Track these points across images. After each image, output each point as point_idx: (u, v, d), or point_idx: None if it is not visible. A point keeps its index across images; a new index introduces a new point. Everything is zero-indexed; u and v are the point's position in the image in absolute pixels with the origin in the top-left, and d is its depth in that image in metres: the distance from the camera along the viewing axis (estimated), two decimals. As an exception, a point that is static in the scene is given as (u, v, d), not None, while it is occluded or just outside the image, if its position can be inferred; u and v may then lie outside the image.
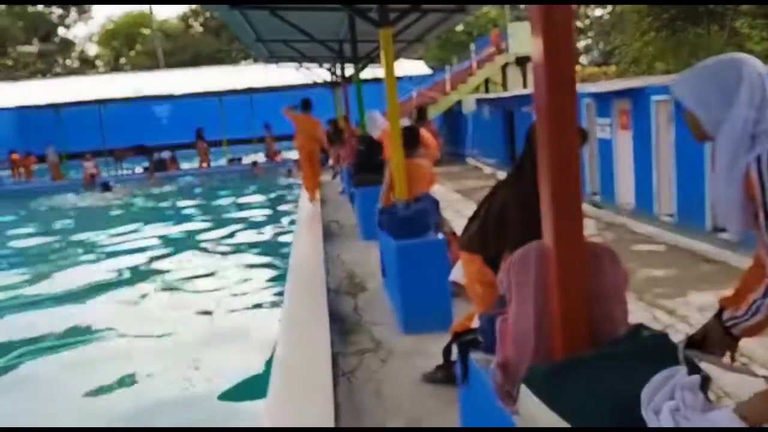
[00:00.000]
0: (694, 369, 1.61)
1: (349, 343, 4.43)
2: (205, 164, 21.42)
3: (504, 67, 22.03)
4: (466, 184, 13.06)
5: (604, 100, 9.22)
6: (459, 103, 19.91)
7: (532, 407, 1.76)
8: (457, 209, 9.28)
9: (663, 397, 1.51)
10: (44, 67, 44.55)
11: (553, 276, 1.88)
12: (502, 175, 13.61)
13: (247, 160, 21.29)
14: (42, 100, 20.84)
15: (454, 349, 2.57)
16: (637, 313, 4.63)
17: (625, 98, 8.60)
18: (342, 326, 4.76)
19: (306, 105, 10.39)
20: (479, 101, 18.13)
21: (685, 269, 6.03)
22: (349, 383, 3.80)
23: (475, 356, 2.35)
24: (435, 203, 4.84)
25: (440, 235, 4.73)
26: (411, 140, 5.19)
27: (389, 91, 5.00)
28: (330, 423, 2.95)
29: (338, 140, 12.83)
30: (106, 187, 17.59)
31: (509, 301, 2.07)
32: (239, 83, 20.96)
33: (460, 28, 29.88)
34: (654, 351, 1.71)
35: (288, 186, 16.41)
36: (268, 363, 4.13)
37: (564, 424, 1.63)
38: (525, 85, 20.73)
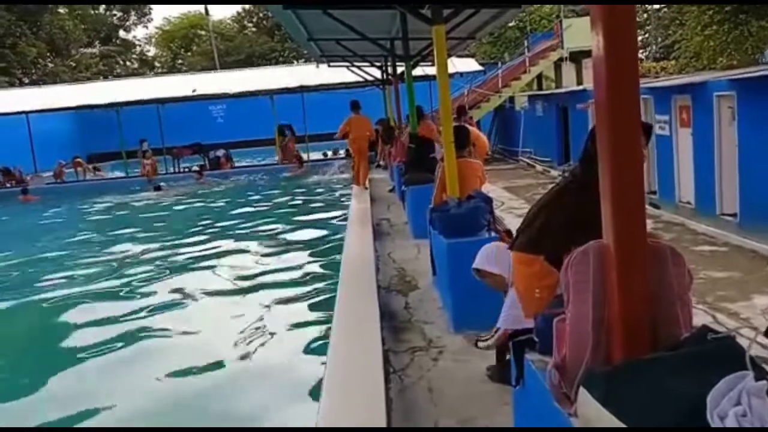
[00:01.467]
0: (761, 374, 1.54)
1: (400, 341, 4.43)
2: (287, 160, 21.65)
3: (558, 63, 21.65)
4: (517, 182, 12.89)
5: (663, 96, 8.95)
6: (511, 99, 19.67)
7: (591, 410, 1.72)
8: (509, 208, 9.17)
9: (729, 402, 1.45)
10: (105, 68, 46.10)
11: (614, 276, 1.83)
12: (555, 173, 13.42)
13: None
14: (103, 100, 21.56)
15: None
16: (698, 315, 4.47)
17: (685, 94, 8.33)
18: (393, 324, 4.77)
19: (355, 106, 12.33)
20: (532, 98, 17.88)
21: (748, 271, 5.80)
22: (400, 381, 3.80)
23: (531, 357, 2.32)
24: (488, 201, 4.79)
25: (493, 234, 4.67)
26: (461, 139, 5.16)
27: (441, 89, 4.98)
28: (382, 421, 2.96)
29: (389, 139, 12.86)
30: (157, 187, 18.08)
31: (567, 301, 2.03)
32: (291, 82, 21.23)
33: (512, 23, 29.46)
34: (720, 355, 1.64)
35: (336, 184, 16.54)
36: (321, 360, 4.17)
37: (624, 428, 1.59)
38: (580, 81, 20.31)
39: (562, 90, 17.33)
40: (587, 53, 19.53)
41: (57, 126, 27.15)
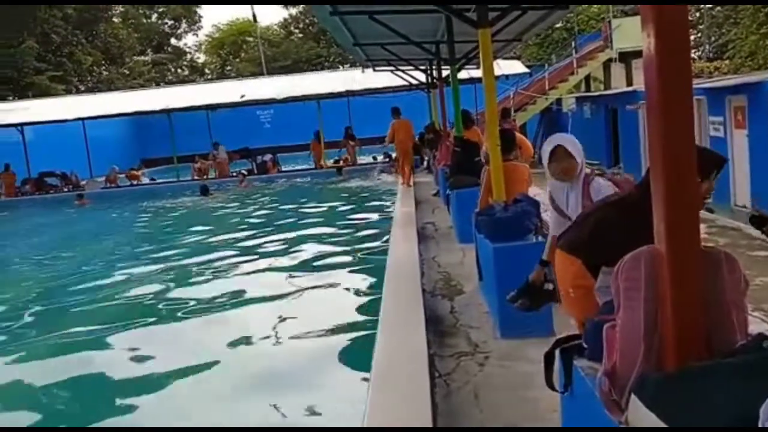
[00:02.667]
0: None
1: (445, 346, 4.42)
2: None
3: (607, 64, 21.25)
4: (565, 185, 12.66)
5: (717, 97, 8.69)
6: (558, 102, 19.40)
7: (642, 418, 1.68)
8: (555, 211, 9.03)
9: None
10: (157, 75, 47.40)
11: (666, 282, 1.79)
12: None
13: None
14: (155, 106, 22.18)
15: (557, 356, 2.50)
16: (754, 323, 4.32)
17: (740, 94, 8.07)
18: (438, 328, 4.75)
19: (395, 112, 14.26)
20: (580, 99, 17.60)
21: (809, 278, 5.58)
22: (446, 386, 3.79)
23: (580, 363, 2.28)
24: (535, 205, 4.73)
25: (540, 238, 4.62)
26: (507, 142, 5.11)
27: (487, 92, 4.95)
28: (428, 424, 2.96)
29: (435, 143, 12.88)
30: (204, 190, 18.42)
31: (617, 307, 2.00)
32: (337, 87, 21.44)
33: (559, 24, 29.05)
34: (777, 364, 1.59)
35: (380, 187, 16.59)
36: (366, 363, 4.18)
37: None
38: (629, 83, 19.89)
39: (611, 91, 17.01)
40: (637, 54, 19.11)
41: (111, 132, 28.04)
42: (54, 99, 27.70)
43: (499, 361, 4.08)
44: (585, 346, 2.29)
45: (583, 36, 25.24)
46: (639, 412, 1.72)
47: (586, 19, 30.00)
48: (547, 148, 3.35)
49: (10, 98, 30.81)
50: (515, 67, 21.36)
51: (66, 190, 22.00)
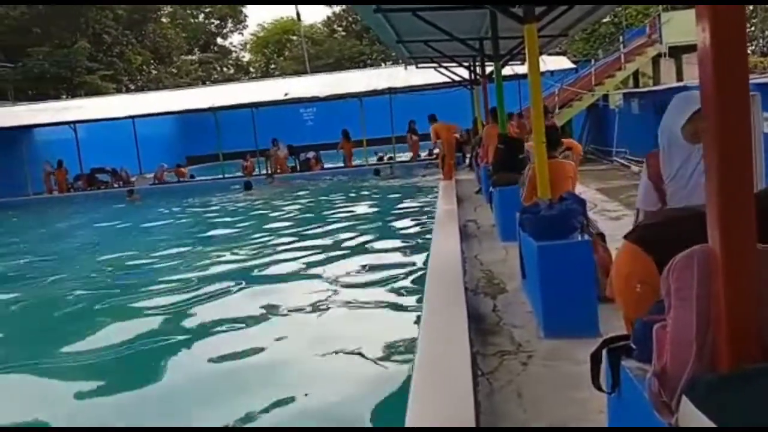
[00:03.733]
0: None
1: (488, 344, 4.39)
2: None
3: (655, 59, 20.72)
4: (611, 183, 12.44)
5: (772, 92, 8.40)
6: (605, 98, 19.02)
7: (693, 420, 1.65)
8: (602, 210, 8.87)
9: None
10: (204, 74, 48.35)
11: (720, 282, 1.74)
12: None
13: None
14: (201, 104, 22.62)
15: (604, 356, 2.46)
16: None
17: (798, 89, 7.77)
18: (480, 327, 4.72)
19: (432, 119, 16.27)
20: (627, 96, 17.21)
21: None
22: (488, 384, 3.76)
23: (628, 364, 2.24)
24: (581, 203, 4.66)
25: (585, 237, 4.55)
26: (552, 139, 5.04)
27: (533, 88, 4.89)
28: (471, 422, 2.95)
29: (479, 141, 12.87)
30: (248, 186, 18.75)
31: (668, 307, 1.95)
32: (379, 84, 21.48)
33: (606, 19, 28.46)
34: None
35: (421, 185, 16.56)
36: (409, 359, 4.20)
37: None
38: (680, 78, 19.36)
39: (661, 87, 16.59)
40: (687, 48, 18.61)
41: (159, 129, 28.75)
42: (105, 97, 28.53)
43: (543, 361, 4.03)
44: (633, 346, 2.25)
45: (631, 30, 24.66)
46: (690, 414, 1.68)
47: (635, 13, 29.31)
48: (686, 106, 3.04)
49: (64, 97, 31.87)
50: (561, 62, 21.03)
51: (116, 186, 22.68)
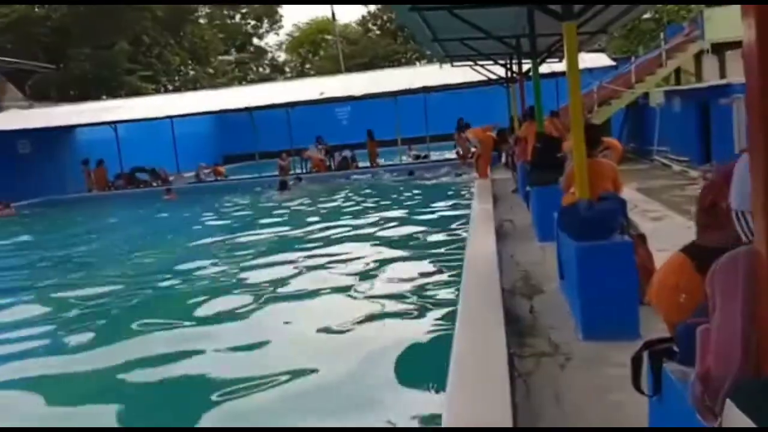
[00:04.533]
0: None
1: (525, 346, 4.35)
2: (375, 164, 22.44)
3: (698, 56, 20.22)
4: (652, 183, 12.19)
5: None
6: (645, 96, 18.64)
7: (739, 425, 1.61)
8: (643, 210, 8.70)
9: None
10: (240, 74, 48.97)
11: (765, 283, 1.69)
12: (694, 173, 12.55)
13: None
14: (238, 104, 22.90)
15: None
16: None
17: None
18: (517, 328, 4.69)
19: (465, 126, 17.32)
20: (669, 93, 16.84)
21: None
22: (525, 386, 3.73)
23: (670, 367, 2.20)
24: (621, 204, 4.58)
25: (626, 238, 4.47)
26: (593, 138, 4.96)
27: (572, 87, 4.82)
28: (508, 423, 2.92)
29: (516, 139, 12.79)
30: (283, 185, 18.91)
31: (712, 309, 1.91)
32: (414, 83, 21.43)
33: (647, 15, 27.89)
34: None
35: (458, 184, 16.48)
36: (444, 359, 4.17)
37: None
38: (723, 75, 18.86)
39: (703, 84, 16.19)
40: (731, 45, 18.09)
41: (196, 129, 29.21)
42: (144, 98, 29.10)
43: (582, 363, 3.97)
44: (676, 349, 2.20)
45: (672, 26, 24.10)
46: (735, 418, 1.64)
47: (676, 9, 28.66)
48: None
49: (105, 97, 32.62)
50: (600, 60, 20.68)
51: (155, 184, 23.12)
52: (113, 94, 34.02)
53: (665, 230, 7.58)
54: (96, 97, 32.21)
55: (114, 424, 4.54)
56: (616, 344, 4.02)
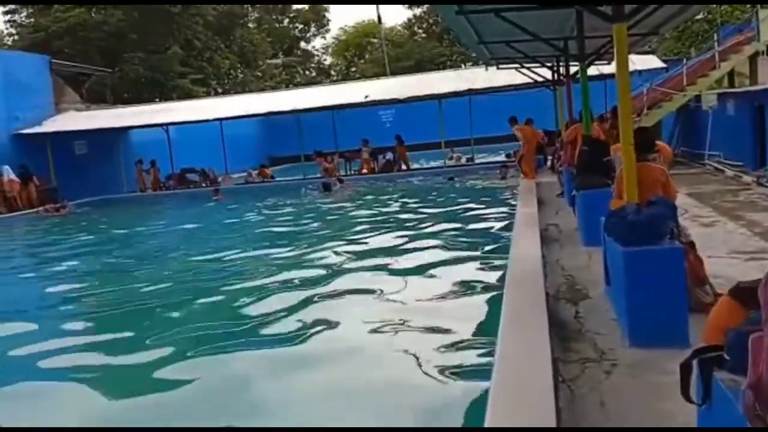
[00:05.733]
0: None
1: (569, 351, 4.30)
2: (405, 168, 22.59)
3: (753, 58, 19.59)
4: (703, 188, 11.86)
5: None
6: (697, 98, 18.15)
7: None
8: (693, 216, 8.49)
9: None
10: (287, 77, 49.65)
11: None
12: (748, 178, 12.16)
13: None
14: (285, 107, 23.24)
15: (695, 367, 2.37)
16: None
17: None
18: (562, 333, 4.63)
19: (512, 120, 16.92)
20: (722, 96, 16.37)
21: None
22: (569, 391, 3.69)
23: (720, 375, 2.15)
24: (672, 208, 4.48)
25: (676, 243, 4.37)
26: (645, 143, 4.87)
27: (621, 89, 4.75)
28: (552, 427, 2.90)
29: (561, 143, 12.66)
30: (327, 187, 19.10)
31: (765, 319, 1.87)
32: (459, 86, 21.36)
33: (699, 16, 27.15)
34: None
35: (502, 187, 16.34)
36: (487, 363, 4.17)
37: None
38: (780, 77, 18.21)
39: (759, 87, 15.68)
40: (789, 45, 17.49)
41: (244, 131, 29.74)
42: (195, 101, 29.78)
43: (628, 370, 3.91)
44: (727, 357, 2.16)
45: (726, 27, 23.41)
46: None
47: (730, 9, 27.82)
48: None
49: (157, 100, 33.53)
50: (650, 61, 20.22)
51: (204, 185, 23.65)
52: (165, 96, 34.93)
53: (716, 236, 7.38)
54: (149, 100, 33.14)
55: (170, 416, 4.64)
56: (663, 351, 3.94)
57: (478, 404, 3.85)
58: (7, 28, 39.87)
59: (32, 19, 36.41)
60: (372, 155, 23.52)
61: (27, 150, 22.33)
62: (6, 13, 37.70)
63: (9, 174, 20.68)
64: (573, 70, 12.45)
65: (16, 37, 38.62)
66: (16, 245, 15.90)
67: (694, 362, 2.35)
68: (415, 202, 15.73)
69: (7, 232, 17.70)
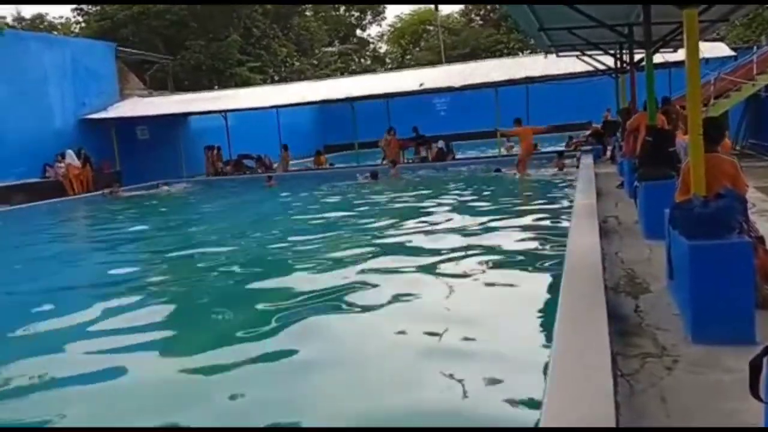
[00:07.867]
0: None
1: (629, 346, 4.20)
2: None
3: (831, 45, 18.57)
4: (773, 182, 11.34)
5: None
6: (767, 88, 17.36)
7: None
8: (761, 210, 8.14)
9: None
10: (342, 65, 49.85)
11: None
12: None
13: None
14: (340, 95, 23.37)
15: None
16: None
17: None
18: (621, 328, 4.53)
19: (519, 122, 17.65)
20: (795, 86, 15.61)
21: None
22: (629, 386, 3.61)
23: (792, 374, 2.08)
24: (741, 202, 4.31)
25: (744, 238, 4.21)
26: (715, 133, 4.70)
27: (691, 77, 4.57)
28: (611, 423, 2.85)
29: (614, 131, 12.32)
30: (374, 175, 19.18)
31: None
32: (516, 73, 21.01)
33: (773, 1, 25.82)
34: None
35: (560, 177, 16.02)
36: (545, 355, 4.12)
37: None
38: None
39: (836, 76, 14.88)
40: None
41: (300, 119, 30.11)
42: (253, 88, 30.29)
43: (691, 367, 3.80)
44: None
45: (802, 13, 22.25)
46: None
47: (807, -6, 26.37)
48: None
49: (216, 87, 34.24)
50: (718, 49, 19.43)
51: (260, 171, 24.09)
52: (224, 84, 35.64)
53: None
54: (208, 87, 33.88)
55: (217, 401, 4.73)
56: (729, 349, 3.82)
57: (535, 396, 3.82)
58: (74, 16, 41.41)
59: (99, 8, 37.65)
60: (424, 144, 23.41)
61: (92, 135, 23.21)
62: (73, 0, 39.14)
63: (72, 159, 21.52)
64: (637, 57, 12.08)
65: (83, 25, 40.07)
66: (85, 228, 16.65)
67: (765, 360, 2.27)
68: (466, 191, 15.57)
69: (70, 213, 18.51)
